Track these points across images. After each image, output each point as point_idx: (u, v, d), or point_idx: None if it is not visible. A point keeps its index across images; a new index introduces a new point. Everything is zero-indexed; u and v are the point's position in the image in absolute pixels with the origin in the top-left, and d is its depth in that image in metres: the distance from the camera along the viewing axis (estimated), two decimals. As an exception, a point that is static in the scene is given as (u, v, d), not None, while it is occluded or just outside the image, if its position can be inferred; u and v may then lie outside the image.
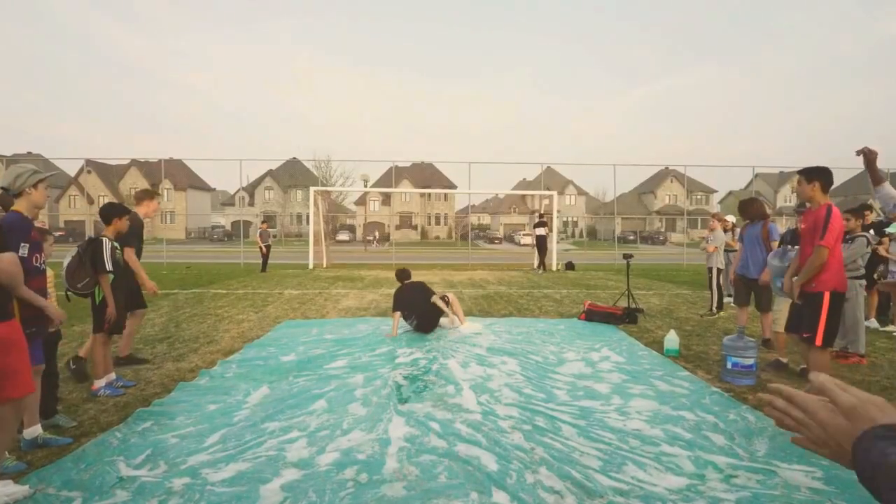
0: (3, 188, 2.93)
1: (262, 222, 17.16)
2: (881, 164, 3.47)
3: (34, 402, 3.04)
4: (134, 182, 49.65)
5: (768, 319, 5.64)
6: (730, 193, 50.82)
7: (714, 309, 7.98)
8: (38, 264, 2.98)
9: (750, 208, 5.90)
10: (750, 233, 5.77)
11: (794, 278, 3.99)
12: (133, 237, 4.74)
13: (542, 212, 20.42)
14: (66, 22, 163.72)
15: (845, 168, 15.71)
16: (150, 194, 5.25)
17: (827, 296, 3.68)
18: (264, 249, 15.66)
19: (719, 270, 8.04)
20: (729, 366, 4.50)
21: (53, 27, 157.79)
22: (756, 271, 5.54)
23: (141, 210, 5.09)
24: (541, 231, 16.11)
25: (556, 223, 18.44)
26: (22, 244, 2.80)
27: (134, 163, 48.00)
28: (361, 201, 54.57)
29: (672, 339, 5.59)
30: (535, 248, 16.43)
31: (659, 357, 5.40)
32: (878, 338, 6.28)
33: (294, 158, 36.78)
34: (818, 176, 3.76)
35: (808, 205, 3.96)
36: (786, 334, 4.44)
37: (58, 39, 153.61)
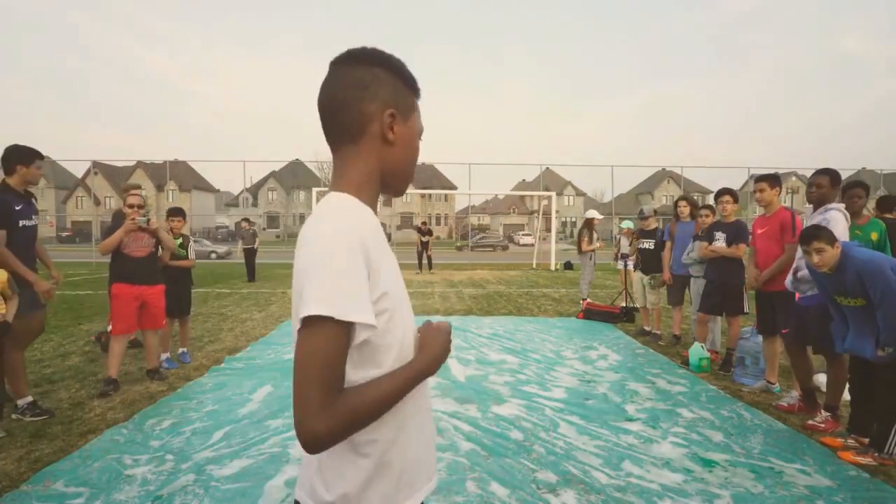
0: None
1: (243, 220, 14.23)
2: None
3: None
4: (140, 183, 49.93)
5: (678, 315, 6.06)
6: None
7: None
8: None
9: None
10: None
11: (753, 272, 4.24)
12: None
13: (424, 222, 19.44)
14: (73, 30, 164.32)
15: (841, 169, 15.78)
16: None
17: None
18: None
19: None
20: (748, 363, 4.51)
21: (62, 35, 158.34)
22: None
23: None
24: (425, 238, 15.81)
25: (554, 223, 18.53)
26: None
27: (140, 164, 48.11)
28: (363, 202, 54.56)
29: (697, 352, 4.91)
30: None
31: (655, 355, 5.44)
32: None
33: (297, 160, 36.86)
34: (780, 183, 4.18)
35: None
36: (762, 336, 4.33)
37: (67, 46, 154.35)
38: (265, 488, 2.62)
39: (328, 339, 0.76)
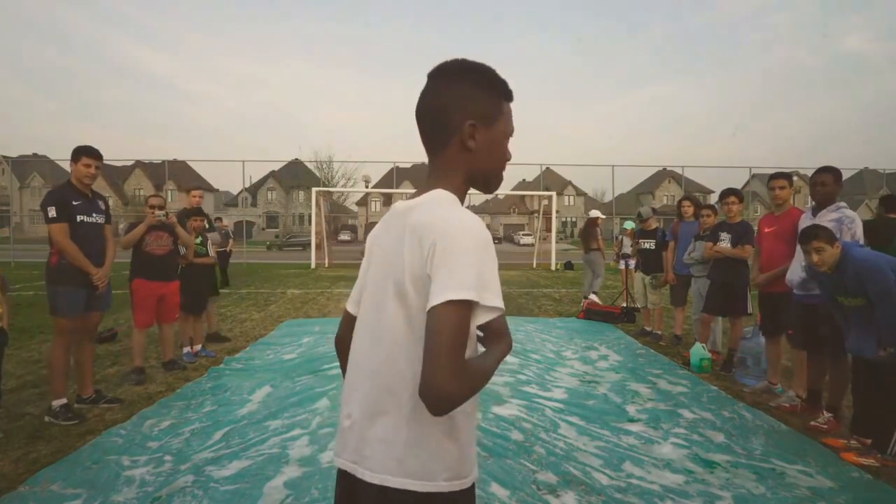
0: None
1: (216, 218, 10.86)
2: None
3: None
4: (138, 183, 49.84)
5: (681, 315, 6.07)
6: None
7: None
8: None
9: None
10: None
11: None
12: None
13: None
14: (72, 29, 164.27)
15: (843, 169, 15.75)
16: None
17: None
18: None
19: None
20: (749, 363, 4.50)
21: (60, 34, 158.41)
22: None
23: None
24: None
25: (554, 223, 18.53)
26: None
27: (138, 164, 48.10)
28: (363, 202, 54.63)
29: (698, 353, 4.85)
30: None
31: (656, 355, 5.43)
32: None
33: (296, 160, 36.83)
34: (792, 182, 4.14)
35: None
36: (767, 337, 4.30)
37: (66, 46, 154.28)
38: (264, 489, 2.60)
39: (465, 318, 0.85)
